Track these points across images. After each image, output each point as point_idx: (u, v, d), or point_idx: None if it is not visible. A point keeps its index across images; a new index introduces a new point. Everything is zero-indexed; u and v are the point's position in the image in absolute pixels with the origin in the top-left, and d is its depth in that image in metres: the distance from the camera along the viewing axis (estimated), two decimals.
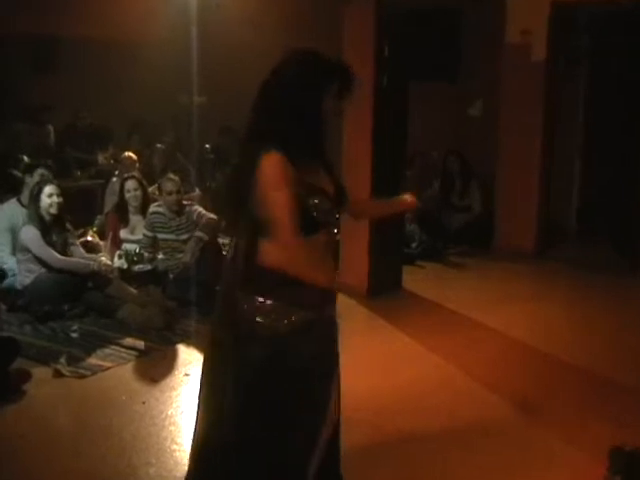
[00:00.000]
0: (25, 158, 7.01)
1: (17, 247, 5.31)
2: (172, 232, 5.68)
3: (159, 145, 8.37)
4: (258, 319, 2.17)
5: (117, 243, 5.86)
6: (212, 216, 5.75)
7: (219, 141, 9.48)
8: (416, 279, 6.22)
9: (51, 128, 8.63)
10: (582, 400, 3.96)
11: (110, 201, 6.81)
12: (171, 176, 5.86)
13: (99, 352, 4.48)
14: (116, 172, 7.53)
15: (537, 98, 7.08)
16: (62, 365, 4.20)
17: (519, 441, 3.47)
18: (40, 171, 5.77)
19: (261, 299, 2.18)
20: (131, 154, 7.36)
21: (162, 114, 9.42)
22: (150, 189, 6.36)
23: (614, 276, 6.51)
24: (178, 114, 9.56)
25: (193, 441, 2.41)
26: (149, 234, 5.71)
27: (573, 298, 6.07)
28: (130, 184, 5.97)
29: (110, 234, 5.92)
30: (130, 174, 6.23)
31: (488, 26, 7.64)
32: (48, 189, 5.15)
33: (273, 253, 2.13)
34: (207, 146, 8.39)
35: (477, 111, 8.27)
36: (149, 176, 7.03)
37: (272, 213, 2.09)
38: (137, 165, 7.26)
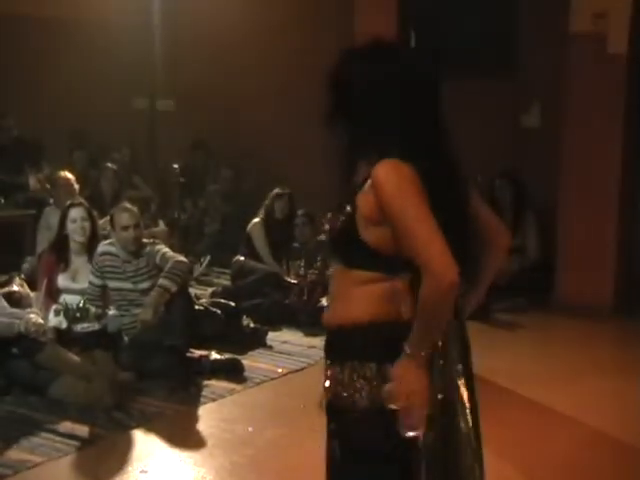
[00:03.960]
0: None
1: None
2: (128, 279, 5.64)
3: (110, 164, 8.38)
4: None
5: (53, 294, 5.81)
6: (181, 259, 5.73)
7: (190, 160, 9.52)
8: None
9: None
10: None
11: (44, 238, 6.78)
12: (127, 206, 5.86)
13: (25, 442, 4.43)
14: (51, 200, 7.51)
15: (615, 104, 7.10)
16: None
17: None
18: None
19: None
20: (67, 174, 7.34)
21: (114, 123, 9.45)
22: (99, 223, 6.33)
23: None
24: (135, 123, 9.59)
25: None
26: (97, 282, 5.67)
27: None
28: (76, 212, 5.92)
29: (44, 281, 5.87)
30: (76, 200, 6.22)
31: (550, 8, 7.70)
32: None
33: None
34: (175, 166, 8.41)
35: (533, 120, 8.28)
36: (97, 206, 7.01)
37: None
38: (76, 188, 7.23)
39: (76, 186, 7.29)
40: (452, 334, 2.33)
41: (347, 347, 2.30)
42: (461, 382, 2.33)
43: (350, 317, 2.27)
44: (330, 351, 2.36)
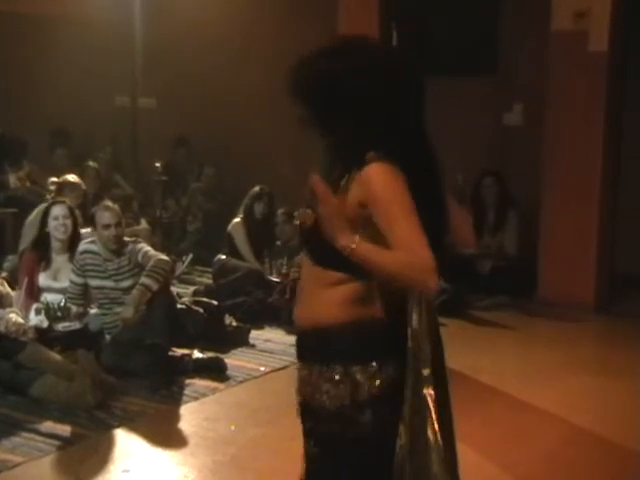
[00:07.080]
0: None
1: None
2: (109, 278, 5.64)
3: (92, 163, 8.35)
4: None
5: (34, 293, 5.80)
6: (163, 257, 5.73)
7: (172, 157, 9.50)
8: None
9: None
10: None
11: (29, 235, 6.72)
12: (108, 204, 5.85)
13: (5, 442, 4.42)
14: (49, 197, 7.42)
15: (596, 103, 7.14)
16: None
17: None
18: None
19: None
20: (74, 177, 7.20)
21: (96, 121, 9.42)
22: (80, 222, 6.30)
23: None
24: (117, 121, 9.56)
25: None
26: (78, 280, 5.67)
27: None
28: (58, 209, 5.89)
29: (25, 280, 5.85)
30: (59, 198, 6.19)
31: (531, 7, 7.73)
32: None
33: None
34: (157, 164, 8.38)
35: (516, 119, 8.32)
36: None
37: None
38: (81, 193, 7.10)
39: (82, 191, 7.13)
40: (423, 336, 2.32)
41: (316, 350, 2.31)
42: (428, 391, 2.30)
43: (321, 320, 2.28)
44: (300, 353, 2.38)
